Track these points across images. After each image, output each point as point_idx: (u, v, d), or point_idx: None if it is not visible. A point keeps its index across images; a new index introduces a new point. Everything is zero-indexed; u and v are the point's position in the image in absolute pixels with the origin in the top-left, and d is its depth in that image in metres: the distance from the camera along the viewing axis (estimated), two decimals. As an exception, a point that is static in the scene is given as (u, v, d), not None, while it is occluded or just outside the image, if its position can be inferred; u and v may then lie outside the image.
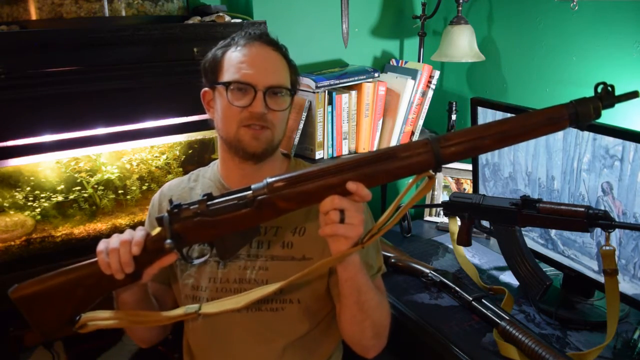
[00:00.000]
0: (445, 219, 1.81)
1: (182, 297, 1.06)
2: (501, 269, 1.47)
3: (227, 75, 0.99)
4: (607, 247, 1.01)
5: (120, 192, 1.58)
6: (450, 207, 1.36)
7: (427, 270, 1.38)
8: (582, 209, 1.04)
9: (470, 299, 1.23)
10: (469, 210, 1.31)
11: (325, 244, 0.89)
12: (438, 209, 1.84)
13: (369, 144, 1.80)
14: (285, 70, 1.03)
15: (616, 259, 1.03)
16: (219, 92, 1.00)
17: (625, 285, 1.14)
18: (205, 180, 1.12)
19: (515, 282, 1.40)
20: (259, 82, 0.97)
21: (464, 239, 1.36)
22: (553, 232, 1.30)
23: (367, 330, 0.97)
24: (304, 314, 1.04)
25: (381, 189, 2.02)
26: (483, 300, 1.22)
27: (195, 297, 1.03)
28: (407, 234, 1.68)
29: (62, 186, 1.48)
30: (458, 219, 1.37)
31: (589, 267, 1.23)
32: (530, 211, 1.09)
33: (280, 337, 1.03)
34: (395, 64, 1.88)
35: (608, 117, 1.41)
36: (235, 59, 0.99)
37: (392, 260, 1.46)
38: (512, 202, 1.17)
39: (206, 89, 1.05)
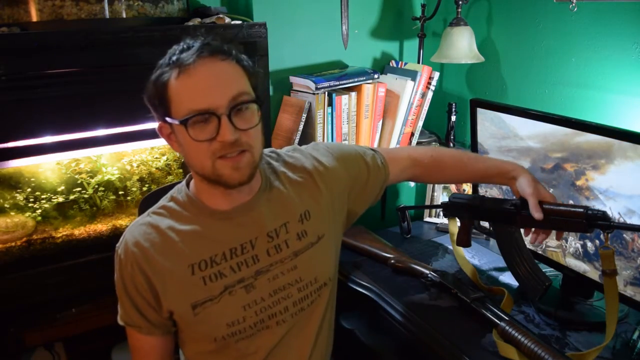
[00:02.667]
0: (445, 220, 1.81)
1: (215, 339, 0.96)
2: (501, 269, 1.48)
3: (179, 109, 0.86)
4: (606, 248, 1.00)
5: (120, 193, 1.58)
6: (450, 208, 1.34)
7: (427, 271, 1.38)
8: (581, 210, 1.03)
9: (469, 300, 1.24)
10: (468, 211, 1.29)
11: (330, 214, 1.05)
12: (438, 210, 1.85)
13: (368, 145, 1.80)
14: (243, 77, 0.89)
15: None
16: (178, 129, 0.88)
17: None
18: (182, 220, 0.97)
19: (514, 282, 1.40)
20: (219, 105, 0.84)
21: (464, 240, 1.34)
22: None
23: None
24: (331, 290, 1.07)
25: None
26: (482, 301, 1.23)
27: (236, 332, 0.96)
28: (407, 235, 1.67)
29: (63, 187, 1.48)
30: (457, 219, 1.37)
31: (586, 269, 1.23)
32: (529, 212, 1.08)
33: (314, 324, 1.04)
34: (394, 65, 1.89)
35: (604, 115, 1.42)
36: (182, 88, 0.85)
37: (392, 261, 1.47)
38: (512, 203, 1.15)
39: (161, 124, 0.92)
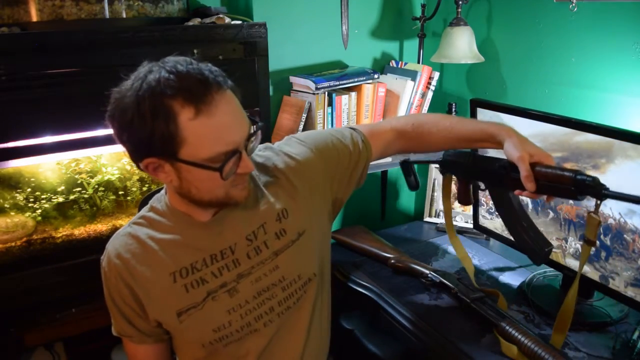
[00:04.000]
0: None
1: (203, 345, 0.97)
2: (501, 269, 1.48)
3: (199, 150, 0.80)
4: (594, 216, 0.93)
5: (120, 193, 1.58)
6: (444, 165, 1.23)
7: (427, 271, 1.38)
8: (570, 174, 0.91)
9: (470, 300, 1.24)
10: (461, 169, 1.19)
11: (310, 209, 1.03)
12: (438, 210, 1.85)
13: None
14: (239, 102, 0.86)
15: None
16: (189, 169, 0.83)
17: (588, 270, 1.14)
18: (162, 229, 0.96)
19: (515, 282, 1.40)
20: (240, 142, 0.83)
21: (463, 198, 1.25)
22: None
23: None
24: (319, 285, 1.06)
25: (381, 189, 2.02)
26: (483, 301, 1.23)
27: (223, 337, 0.96)
28: (416, 189, 1.40)
29: (63, 187, 1.48)
30: (455, 178, 1.28)
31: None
32: (518, 175, 0.95)
33: (304, 321, 1.03)
34: (394, 65, 1.89)
35: (604, 115, 1.41)
36: (203, 129, 0.79)
37: (392, 261, 1.47)
38: (500, 165, 1.05)
39: (152, 159, 0.83)
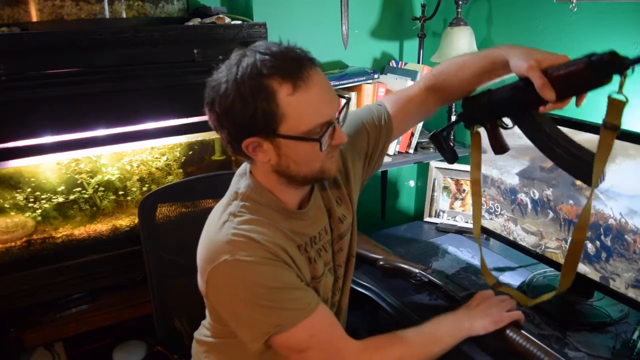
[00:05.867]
0: (445, 220, 1.81)
1: None
2: (501, 269, 1.48)
3: (299, 123, 0.83)
4: (619, 96, 0.80)
5: (120, 193, 1.58)
6: (466, 116, 1.12)
7: (416, 270, 1.36)
8: (584, 61, 0.83)
9: (459, 297, 1.23)
10: (481, 111, 1.08)
11: (352, 197, 1.09)
12: (438, 210, 1.85)
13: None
14: None
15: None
16: (288, 143, 0.85)
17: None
18: (266, 214, 0.95)
19: (514, 283, 1.40)
20: (333, 113, 0.87)
21: (498, 146, 1.11)
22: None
23: None
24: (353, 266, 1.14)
25: (381, 189, 2.02)
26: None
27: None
28: (454, 161, 1.24)
29: (63, 187, 1.48)
30: (481, 127, 1.14)
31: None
32: (534, 89, 0.88)
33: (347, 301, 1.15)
34: (395, 65, 1.89)
35: (603, 115, 1.41)
36: (301, 103, 0.82)
37: (380, 263, 1.45)
38: (513, 85, 0.98)
39: (253, 138, 0.85)
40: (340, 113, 0.91)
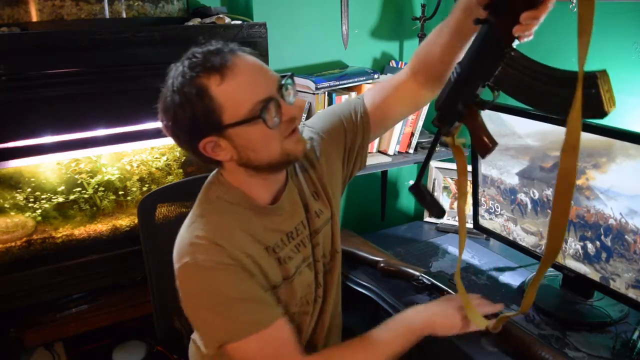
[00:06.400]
0: (446, 220, 1.81)
1: (290, 316, 0.98)
2: (501, 269, 1.48)
3: (238, 110, 0.84)
4: None
5: (120, 193, 1.58)
6: (442, 117, 0.94)
7: (418, 273, 1.37)
8: None
9: None
10: (457, 95, 0.88)
11: (333, 189, 1.08)
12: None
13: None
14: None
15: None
16: (237, 132, 0.86)
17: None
18: (236, 213, 0.95)
19: (514, 283, 1.40)
20: (272, 90, 0.87)
21: (485, 139, 0.90)
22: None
23: None
24: (338, 260, 1.11)
25: (381, 189, 2.02)
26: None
27: (299, 311, 1.03)
28: (440, 215, 1.11)
29: (63, 187, 1.48)
30: (463, 125, 0.95)
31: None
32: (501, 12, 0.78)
33: (334, 295, 1.10)
34: (395, 65, 1.88)
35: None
36: (233, 88, 0.84)
37: (381, 265, 1.45)
38: (476, 23, 0.81)
39: (207, 139, 0.87)
40: (282, 87, 0.88)
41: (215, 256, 0.87)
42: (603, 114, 0.73)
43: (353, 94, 1.72)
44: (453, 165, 1.78)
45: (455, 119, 0.92)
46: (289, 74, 0.91)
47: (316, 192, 1.07)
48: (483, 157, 0.94)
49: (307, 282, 1.03)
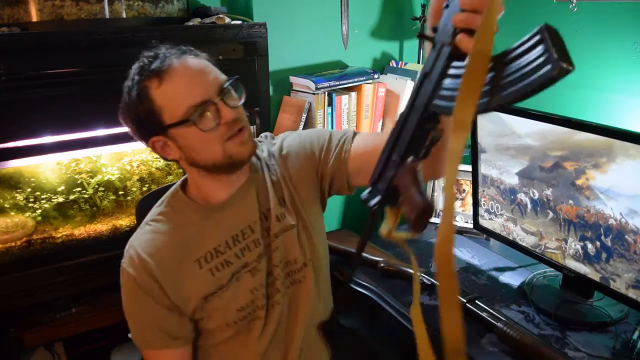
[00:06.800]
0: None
1: (227, 324, 1.00)
2: (501, 269, 1.48)
3: (175, 112, 0.88)
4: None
5: (120, 193, 1.58)
6: (381, 202, 0.71)
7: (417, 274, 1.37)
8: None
9: (465, 300, 1.24)
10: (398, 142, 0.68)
11: (302, 200, 1.04)
12: (438, 210, 1.84)
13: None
14: (214, 65, 0.94)
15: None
16: (178, 132, 0.90)
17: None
18: (181, 221, 0.99)
19: (514, 283, 1.40)
20: (211, 93, 0.89)
21: (416, 206, 0.63)
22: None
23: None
24: (313, 272, 1.06)
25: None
26: (477, 302, 1.23)
27: (247, 315, 1.00)
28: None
29: (63, 187, 1.48)
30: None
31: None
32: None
33: (308, 307, 1.05)
34: (395, 65, 1.89)
35: (604, 115, 1.41)
36: (169, 91, 0.88)
37: (381, 265, 1.46)
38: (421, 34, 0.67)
39: (153, 138, 0.93)
40: (224, 90, 0.90)
41: (131, 268, 0.95)
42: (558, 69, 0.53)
43: (353, 94, 1.73)
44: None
45: (389, 179, 0.69)
46: (234, 77, 0.93)
47: (283, 198, 1.05)
48: (417, 230, 0.66)
49: (249, 288, 0.99)
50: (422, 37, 0.68)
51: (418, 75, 0.66)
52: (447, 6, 0.65)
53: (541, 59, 0.56)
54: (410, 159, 0.66)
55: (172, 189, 1.04)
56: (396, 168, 0.69)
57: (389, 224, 0.74)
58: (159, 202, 1.04)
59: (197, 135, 0.89)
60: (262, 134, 1.14)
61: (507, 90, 0.59)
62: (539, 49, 0.57)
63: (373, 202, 0.73)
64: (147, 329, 0.98)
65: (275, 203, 1.03)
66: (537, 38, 0.58)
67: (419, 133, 0.67)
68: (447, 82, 0.63)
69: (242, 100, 0.94)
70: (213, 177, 0.97)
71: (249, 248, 1.00)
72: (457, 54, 0.64)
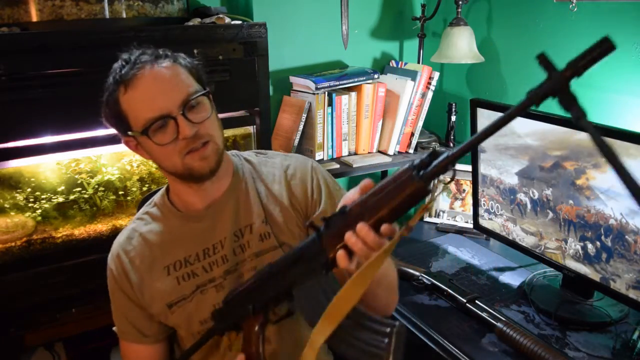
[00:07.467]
0: (446, 220, 1.81)
1: (192, 334, 1.00)
2: (501, 269, 1.48)
3: (137, 121, 0.90)
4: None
5: (120, 193, 1.58)
6: (223, 314, 0.93)
7: (418, 274, 1.37)
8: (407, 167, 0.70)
9: (465, 300, 1.24)
10: (257, 292, 0.84)
11: (290, 225, 1.01)
12: (438, 210, 1.84)
13: (368, 145, 1.80)
14: (185, 75, 0.92)
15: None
16: (141, 140, 0.92)
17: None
18: (161, 224, 1.02)
19: (514, 283, 1.40)
20: (171, 107, 0.88)
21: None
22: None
23: (382, 296, 0.92)
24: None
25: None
26: (477, 302, 1.23)
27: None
28: None
29: (63, 187, 1.48)
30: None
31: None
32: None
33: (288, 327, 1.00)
34: (394, 65, 1.88)
35: (604, 115, 1.41)
36: (132, 101, 0.89)
37: None
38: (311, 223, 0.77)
39: (125, 138, 0.96)
40: (187, 105, 0.89)
41: (113, 263, 1.01)
42: None
43: (353, 94, 1.73)
44: (456, 166, 1.78)
45: (236, 321, 0.88)
46: (205, 90, 0.93)
47: (268, 218, 1.01)
48: None
49: (212, 303, 0.97)
50: (310, 226, 0.76)
51: (294, 249, 0.79)
52: (342, 212, 0.72)
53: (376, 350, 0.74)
54: (260, 320, 0.84)
55: (162, 189, 1.07)
56: (247, 317, 0.85)
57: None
58: (150, 200, 1.07)
59: (154, 145, 0.90)
60: (269, 152, 1.12)
61: (346, 350, 0.73)
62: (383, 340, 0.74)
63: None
64: (122, 321, 1.03)
65: (259, 221, 1.00)
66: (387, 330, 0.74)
67: (273, 301, 0.82)
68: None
69: (209, 114, 0.92)
70: (184, 184, 0.98)
71: (217, 263, 0.99)
72: (331, 265, 0.74)
